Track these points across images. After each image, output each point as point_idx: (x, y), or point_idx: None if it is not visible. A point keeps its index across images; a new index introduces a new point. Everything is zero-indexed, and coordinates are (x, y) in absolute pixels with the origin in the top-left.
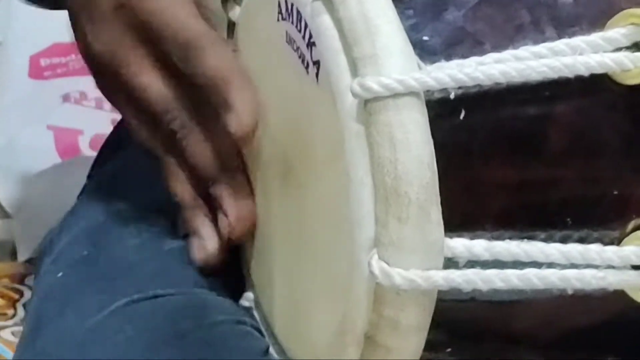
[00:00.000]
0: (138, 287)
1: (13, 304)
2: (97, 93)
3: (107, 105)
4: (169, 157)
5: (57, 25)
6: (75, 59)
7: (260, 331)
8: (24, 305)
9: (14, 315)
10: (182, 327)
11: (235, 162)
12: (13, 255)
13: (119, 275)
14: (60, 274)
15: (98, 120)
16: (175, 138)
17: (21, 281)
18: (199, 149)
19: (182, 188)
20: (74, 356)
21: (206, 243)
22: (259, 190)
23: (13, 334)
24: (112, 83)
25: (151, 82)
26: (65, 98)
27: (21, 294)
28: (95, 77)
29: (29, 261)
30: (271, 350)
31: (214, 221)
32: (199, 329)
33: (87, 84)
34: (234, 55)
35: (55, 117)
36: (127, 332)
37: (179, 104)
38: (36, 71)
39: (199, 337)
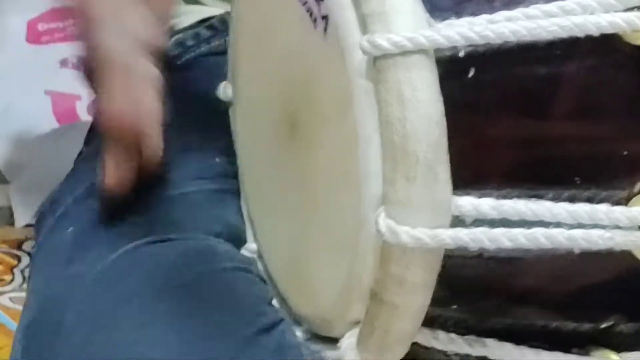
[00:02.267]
0: (147, 231)
1: (11, 269)
2: None
3: None
4: None
5: None
6: (73, 24)
7: (264, 281)
8: (22, 271)
9: (11, 281)
10: (194, 271)
11: None
12: (11, 220)
13: (126, 222)
14: (70, 229)
15: None
16: None
17: (19, 247)
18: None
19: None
20: (83, 297)
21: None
22: (262, 149)
23: (11, 299)
24: None
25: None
26: (63, 63)
27: (19, 259)
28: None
29: (26, 227)
30: (274, 300)
31: None
32: (211, 274)
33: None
34: None
35: (53, 82)
36: (139, 274)
37: None
38: (34, 36)
39: (211, 281)
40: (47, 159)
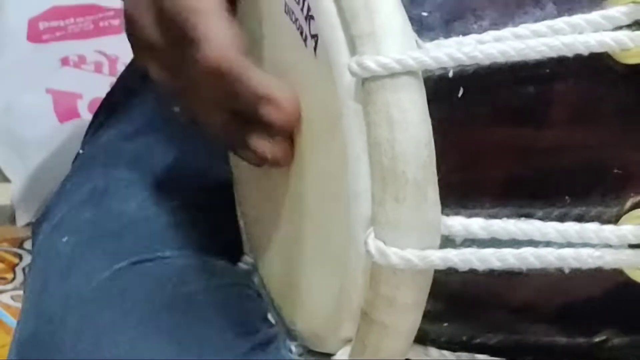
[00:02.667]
0: (142, 247)
1: (12, 268)
2: (96, 57)
3: (106, 68)
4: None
5: None
6: (74, 23)
7: (259, 294)
8: (23, 270)
9: (12, 279)
10: (188, 289)
11: None
12: (12, 219)
13: (122, 234)
14: (65, 239)
15: (97, 83)
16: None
17: (20, 245)
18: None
19: None
20: (80, 315)
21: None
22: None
23: (12, 298)
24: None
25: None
26: (64, 62)
27: (20, 257)
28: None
29: (28, 225)
30: (269, 315)
31: None
32: (206, 291)
33: (86, 47)
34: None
35: (54, 81)
36: (134, 293)
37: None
38: (35, 35)
39: (205, 299)
40: (49, 158)
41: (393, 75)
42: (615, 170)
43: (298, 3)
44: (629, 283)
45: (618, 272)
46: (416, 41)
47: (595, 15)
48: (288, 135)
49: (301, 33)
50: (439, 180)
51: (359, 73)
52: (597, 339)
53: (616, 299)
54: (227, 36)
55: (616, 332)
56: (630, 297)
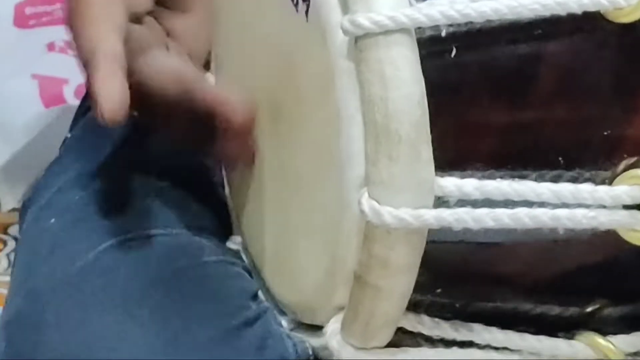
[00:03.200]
0: (128, 226)
1: None
2: None
3: None
4: None
5: None
6: (60, 8)
7: (249, 273)
8: (8, 256)
9: None
10: (177, 266)
11: None
12: None
13: (109, 214)
14: (52, 220)
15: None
16: None
17: (5, 231)
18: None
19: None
20: (65, 294)
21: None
22: None
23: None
24: None
25: None
26: (50, 47)
27: (5, 243)
28: None
29: (13, 211)
30: (259, 292)
31: None
32: (194, 268)
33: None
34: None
35: (40, 66)
36: (122, 270)
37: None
38: (21, 20)
39: (194, 275)
40: (34, 144)
41: (386, 32)
42: (608, 132)
43: None
44: (622, 249)
45: (612, 237)
46: (409, 0)
47: None
48: (247, 135)
49: None
50: (433, 141)
51: (352, 31)
52: (589, 309)
53: (610, 267)
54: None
55: (609, 301)
56: (623, 264)
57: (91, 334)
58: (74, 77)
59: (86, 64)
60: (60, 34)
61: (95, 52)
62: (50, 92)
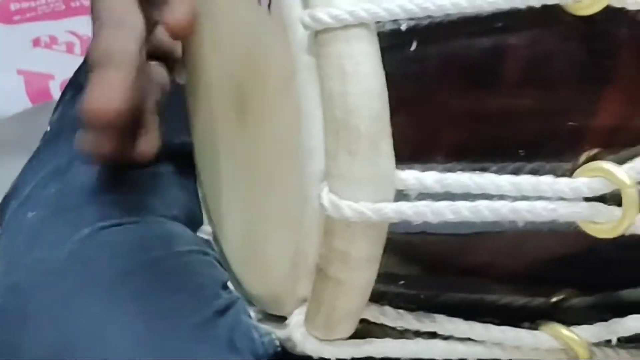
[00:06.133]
0: (103, 215)
1: None
2: (68, 37)
3: (78, 49)
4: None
5: None
6: (45, 3)
7: (220, 263)
8: None
9: None
10: (151, 255)
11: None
12: None
13: (84, 205)
14: (31, 214)
15: (69, 64)
16: None
17: None
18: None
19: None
20: (44, 286)
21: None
22: (214, 124)
23: None
24: None
25: None
26: (36, 42)
27: None
28: None
29: None
30: (229, 283)
31: None
32: (168, 258)
33: (57, 28)
34: None
35: (25, 62)
36: (97, 262)
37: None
38: (5, 15)
39: (168, 265)
40: (21, 140)
41: (345, 27)
42: (570, 124)
43: None
44: (584, 240)
45: (573, 230)
46: None
47: None
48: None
49: None
50: (393, 134)
51: (312, 25)
52: (554, 299)
53: (573, 258)
54: None
55: (574, 291)
56: (586, 256)
57: (73, 326)
58: (60, 73)
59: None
60: (45, 29)
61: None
62: (36, 88)
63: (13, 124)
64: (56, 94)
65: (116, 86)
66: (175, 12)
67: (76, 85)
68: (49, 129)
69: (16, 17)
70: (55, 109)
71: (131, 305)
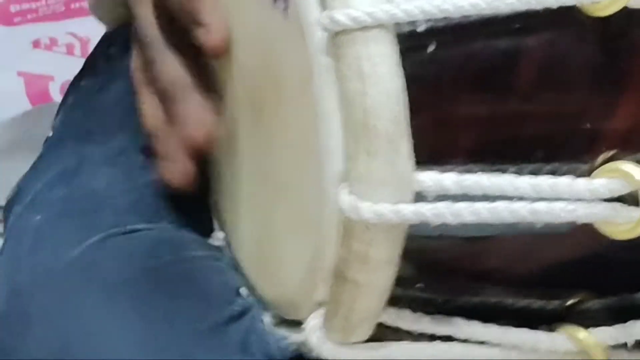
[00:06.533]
0: (113, 221)
1: None
2: (68, 38)
3: (78, 50)
4: (145, 87)
5: None
6: (45, 5)
7: (231, 268)
8: None
9: None
10: (162, 261)
11: (200, 83)
12: None
13: (93, 210)
14: (37, 217)
15: (69, 66)
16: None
17: None
18: (167, 67)
19: (153, 114)
20: (48, 290)
21: (177, 165)
22: (230, 132)
23: None
24: None
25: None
26: (36, 44)
27: None
28: None
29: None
30: (242, 288)
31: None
32: (179, 263)
33: (58, 29)
34: None
35: (25, 63)
36: (106, 265)
37: (157, 28)
38: (6, 17)
39: (179, 270)
40: (20, 141)
41: (364, 28)
42: (586, 126)
43: None
44: (601, 242)
45: (590, 230)
46: None
47: None
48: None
49: None
50: (412, 135)
51: (330, 27)
52: (570, 302)
53: (590, 260)
54: None
55: (589, 293)
56: (603, 257)
57: (75, 330)
58: (60, 74)
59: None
60: (45, 30)
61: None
62: (36, 90)
63: (13, 126)
64: (56, 95)
65: (208, 110)
66: (213, 33)
67: (78, 88)
68: (51, 133)
69: (16, 19)
70: (58, 112)
71: (133, 311)
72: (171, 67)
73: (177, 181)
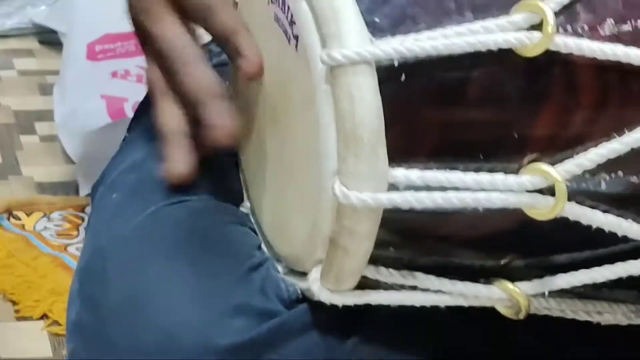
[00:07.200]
0: (166, 195)
1: (76, 227)
2: (138, 70)
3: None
4: (165, 95)
5: (108, 20)
6: (121, 46)
7: (254, 231)
8: (85, 229)
9: (77, 236)
10: (204, 224)
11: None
12: (76, 191)
13: (152, 189)
14: (114, 195)
15: (139, 90)
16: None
17: (82, 210)
18: (195, 76)
19: (169, 118)
20: (121, 249)
21: (176, 166)
22: (254, 132)
23: (77, 249)
24: (139, 30)
25: (165, 27)
26: (114, 75)
27: (82, 219)
28: (133, 28)
29: (87, 195)
30: (262, 245)
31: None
32: (217, 226)
33: (130, 64)
34: (238, 13)
35: (106, 89)
36: (161, 230)
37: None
38: (92, 55)
39: (216, 232)
40: (103, 146)
41: (353, 64)
42: (515, 135)
43: (284, 12)
44: (526, 220)
45: (518, 212)
46: (370, 39)
47: (502, 21)
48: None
49: (286, 34)
50: (387, 142)
51: (328, 62)
52: (502, 262)
53: (517, 232)
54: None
55: (517, 256)
56: (527, 231)
57: (141, 280)
58: (132, 97)
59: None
60: (121, 65)
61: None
62: (114, 108)
63: (98, 135)
64: (129, 112)
65: (233, 113)
66: (251, 60)
67: (144, 105)
68: (127, 135)
69: (99, 56)
70: (130, 123)
71: (184, 263)
72: (200, 75)
73: (173, 178)
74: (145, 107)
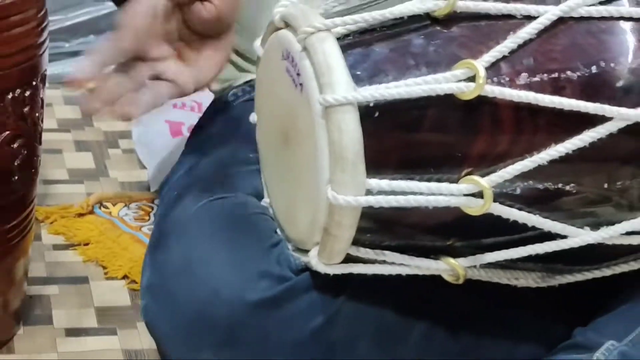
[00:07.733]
0: (214, 191)
1: (148, 214)
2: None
3: (197, 108)
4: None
5: None
6: None
7: (272, 219)
8: (154, 214)
9: (148, 220)
10: (238, 214)
11: None
12: (148, 188)
13: (202, 188)
14: (175, 193)
15: (192, 117)
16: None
17: (152, 202)
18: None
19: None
20: (179, 231)
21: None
22: (271, 149)
23: (148, 229)
24: None
25: None
26: (174, 105)
27: (152, 208)
28: None
29: (155, 191)
30: (277, 230)
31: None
32: (247, 215)
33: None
34: None
35: (169, 116)
36: (211, 217)
37: None
38: None
39: (247, 220)
40: (166, 157)
41: (341, 105)
42: (458, 155)
43: (293, 66)
44: (463, 215)
45: (458, 209)
46: (354, 87)
47: (447, 74)
48: None
49: (294, 82)
50: (365, 159)
51: (323, 103)
52: (448, 243)
53: (458, 222)
54: None
55: (457, 239)
56: (464, 222)
57: (194, 252)
58: (188, 121)
59: None
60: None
61: None
62: (175, 130)
63: (163, 150)
64: (186, 133)
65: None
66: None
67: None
68: (184, 149)
69: None
70: (187, 141)
71: (225, 241)
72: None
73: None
74: (196, 130)
